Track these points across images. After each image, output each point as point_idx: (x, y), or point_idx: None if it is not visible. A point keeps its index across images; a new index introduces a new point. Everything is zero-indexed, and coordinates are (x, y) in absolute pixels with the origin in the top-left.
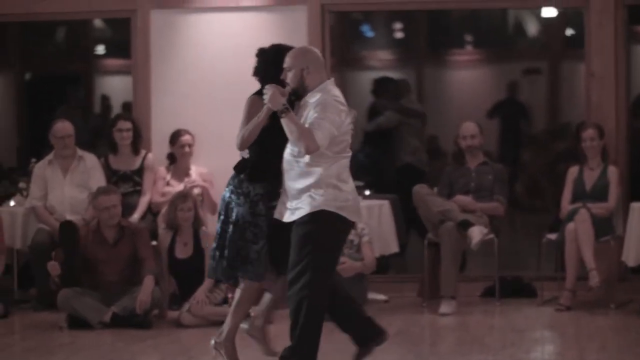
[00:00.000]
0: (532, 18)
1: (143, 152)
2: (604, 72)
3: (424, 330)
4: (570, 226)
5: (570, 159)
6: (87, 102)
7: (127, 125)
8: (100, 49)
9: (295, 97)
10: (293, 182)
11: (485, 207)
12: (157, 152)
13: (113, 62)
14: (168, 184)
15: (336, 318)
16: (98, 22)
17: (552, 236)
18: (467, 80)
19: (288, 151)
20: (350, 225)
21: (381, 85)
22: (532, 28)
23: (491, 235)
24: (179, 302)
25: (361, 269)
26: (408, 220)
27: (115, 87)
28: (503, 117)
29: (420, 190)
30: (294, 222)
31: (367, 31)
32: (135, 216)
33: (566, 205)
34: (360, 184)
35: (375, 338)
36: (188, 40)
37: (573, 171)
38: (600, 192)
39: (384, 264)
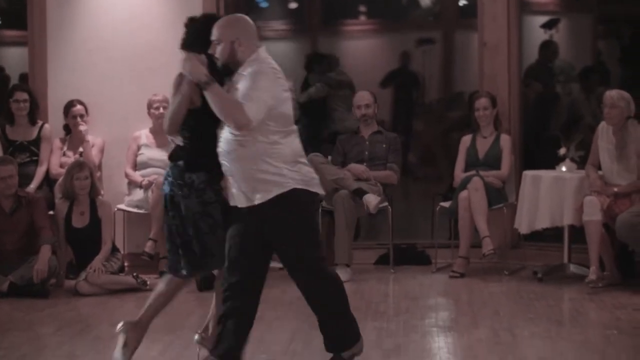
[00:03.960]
0: None
1: (40, 122)
2: (496, 42)
3: None
4: (463, 194)
5: (464, 127)
6: None
7: (24, 96)
8: None
9: (227, 73)
10: (241, 163)
11: (379, 175)
12: (54, 123)
13: (9, 34)
14: (64, 154)
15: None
16: None
17: (446, 204)
18: (361, 50)
19: (229, 130)
20: (319, 199)
21: (312, 61)
22: None
23: (385, 203)
24: (76, 271)
25: None
26: None
27: (11, 58)
28: (396, 86)
29: (314, 159)
30: (254, 206)
31: (262, 1)
32: (32, 186)
33: (459, 173)
34: None
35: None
36: (84, 11)
37: (466, 140)
38: (493, 160)
39: None
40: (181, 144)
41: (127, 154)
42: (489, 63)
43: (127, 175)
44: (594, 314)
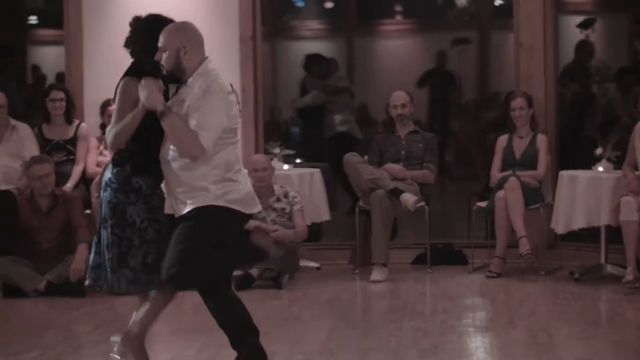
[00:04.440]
0: None
1: (76, 121)
2: (532, 41)
3: (355, 297)
4: (500, 194)
5: (500, 127)
6: (20, 72)
7: (60, 95)
8: (33, 19)
9: (173, 80)
10: (182, 173)
11: (416, 175)
12: (90, 122)
13: (46, 32)
14: (101, 153)
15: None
16: None
17: (482, 204)
18: (397, 49)
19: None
20: (247, 217)
21: (311, 62)
22: None
23: (422, 203)
24: None
25: (293, 237)
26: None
27: (48, 57)
28: (432, 86)
29: (351, 158)
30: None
31: (298, 0)
32: (69, 185)
33: (496, 173)
34: (291, 152)
35: None
36: (120, 10)
37: (502, 140)
38: (529, 160)
39: (315, 232)
40: (123, 146)
41: None
42: (525, 63)
43: None
44: (631, 315)
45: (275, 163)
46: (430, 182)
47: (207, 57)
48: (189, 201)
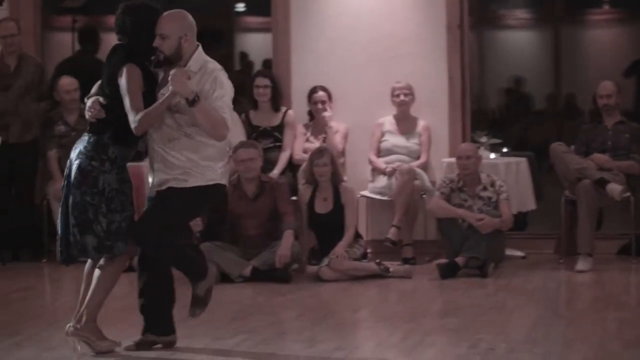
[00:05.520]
0: None
1: (283, 109)
2: None
3: (560, 286)
4: None
5: None
6: (228, 59)
7: (265, 82)
8: (241, 7)
9: (165, 64)
10: (178, 152)
11: (622, 165)
12: (297, 109)
13: (253, 20)
14: (307, 140)
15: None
16: None
17: None
18: (604, 39)
19: (171, 119)
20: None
21: None
22: None
23: (628, 193)
24: (319, 257)
25: (499, 226)
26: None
27: (256, 44)
28: None
29: (558, 147)
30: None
31: None
32: (275, 171)
33: None
34: (498, 141)
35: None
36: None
37: None
38: None
39: (521, 221)
40: (103, 116)
41: (371, 141)
42: None
43: (370, 162)
44: None
45: (482, 152)
46: (636, 172)
47: (199, 44)
48: (192, 176)
